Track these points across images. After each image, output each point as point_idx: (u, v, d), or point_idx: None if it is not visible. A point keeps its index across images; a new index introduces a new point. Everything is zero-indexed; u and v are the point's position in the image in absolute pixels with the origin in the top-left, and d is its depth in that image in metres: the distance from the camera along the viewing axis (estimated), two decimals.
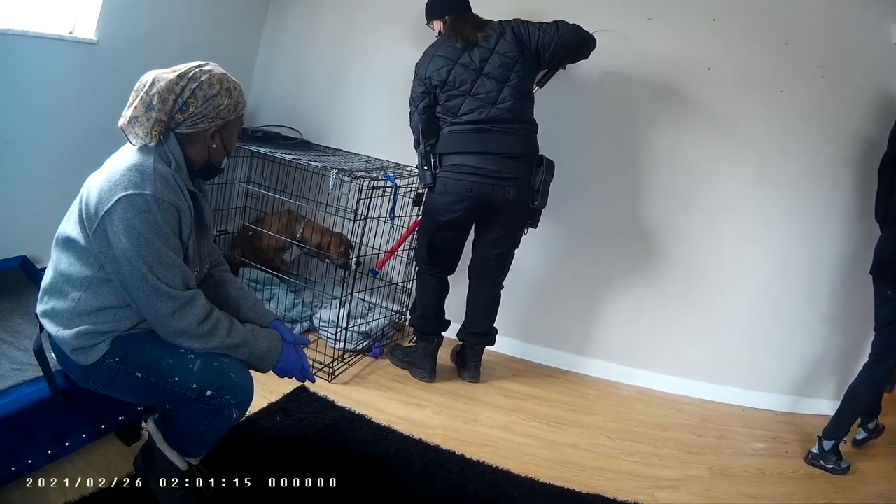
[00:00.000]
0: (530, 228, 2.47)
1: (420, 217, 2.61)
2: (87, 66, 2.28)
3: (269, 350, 1.45)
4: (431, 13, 2.45)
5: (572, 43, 2.29)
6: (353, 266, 2.62)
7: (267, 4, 3.15)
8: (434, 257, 2.48)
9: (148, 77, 1.30)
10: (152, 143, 1.31)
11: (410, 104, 2.44)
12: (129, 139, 1.32)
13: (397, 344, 2.72)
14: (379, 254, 2.71)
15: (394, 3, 2.93)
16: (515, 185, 2.33)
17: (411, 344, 2.66)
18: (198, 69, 1.32)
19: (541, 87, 2.52)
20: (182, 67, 1.32)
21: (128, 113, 1.29)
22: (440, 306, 2.57)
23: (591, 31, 2.31)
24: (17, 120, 2.09)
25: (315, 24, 3.08)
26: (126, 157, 1.30)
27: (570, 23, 2.29)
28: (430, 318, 2.54)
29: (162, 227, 1.25)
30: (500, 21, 2.35)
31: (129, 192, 1.22)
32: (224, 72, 1.37)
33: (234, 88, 1.37)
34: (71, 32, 2.23)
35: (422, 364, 2.53)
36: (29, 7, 2.08)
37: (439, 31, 2.43)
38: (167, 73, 1.30)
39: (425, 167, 2.41)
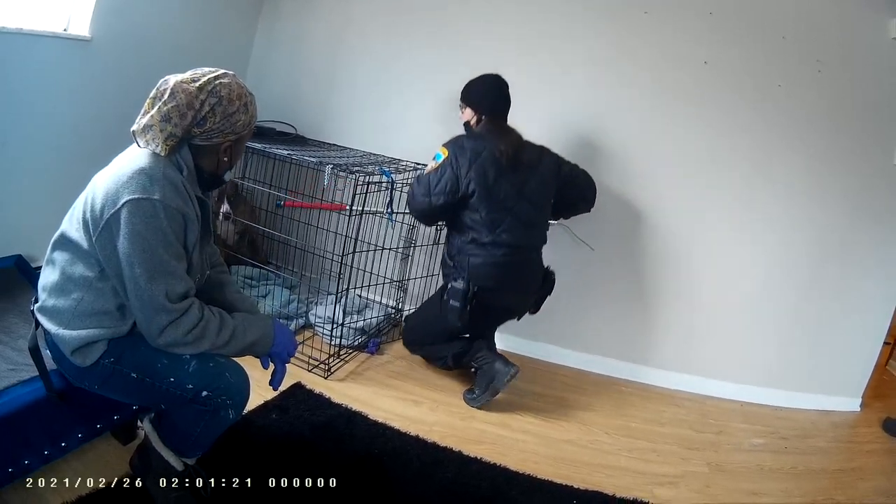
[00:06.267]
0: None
1: None
2: (82, 63, 2.27)
3: (262, 336, 1.44)
4: (472, 102, 2.30)
5: (588, 188, 2.44)
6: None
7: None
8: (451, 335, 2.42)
9: (167, 85, 1.25)
10: (163, 154, 1.26)
11: (426, 193, 2.23)
12: (137, 142, 1.27)
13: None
14: (374, 249, 2.69)
15: None
16: (528, 309, 2.46)
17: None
18: (218, 82, 1.28)
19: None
20: (202, 78, 1.27)
21: (142, 120, 1.25)
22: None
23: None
24: (10, 118, 2.08)
25: (310, 18, 3.06)
26: (136, 159, 1.25)
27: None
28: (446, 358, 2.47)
29: (167, 234, 1.22)
30: (535, 143, 2.36)
31: (137, 196, 1.19)
32: (242, 83, 1.33)
33: (251, 104, 1.35)
34: (65, 29, 2.21)
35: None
36: (22, 4, 2.06)
37: (468, 120, 2.32)
38: (187, 84, 1.25)
39: (466, 307, 2.22)
